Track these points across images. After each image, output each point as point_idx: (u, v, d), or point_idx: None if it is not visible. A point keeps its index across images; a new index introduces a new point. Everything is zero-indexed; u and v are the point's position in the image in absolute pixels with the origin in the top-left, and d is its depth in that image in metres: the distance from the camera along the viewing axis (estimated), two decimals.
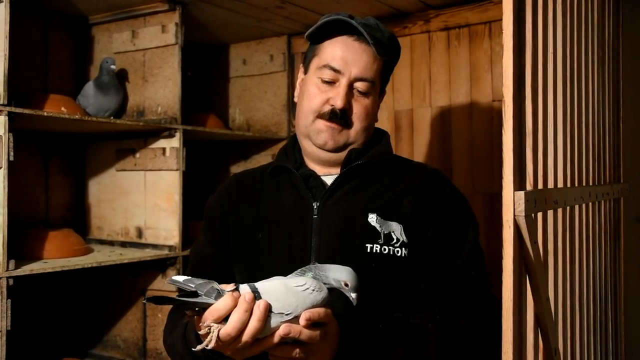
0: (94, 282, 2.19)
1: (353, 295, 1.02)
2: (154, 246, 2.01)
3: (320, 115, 1.26)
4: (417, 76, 2.19)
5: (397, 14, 2.16)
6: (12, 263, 1.52)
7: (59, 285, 2.14)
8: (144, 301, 0.97)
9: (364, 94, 1.27)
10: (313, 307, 0.97)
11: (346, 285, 1.01)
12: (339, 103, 1.24)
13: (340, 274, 1.02)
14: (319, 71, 1.27)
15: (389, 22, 2.15)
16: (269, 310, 0.94)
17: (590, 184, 1.40)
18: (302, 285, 0.98)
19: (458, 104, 2.11)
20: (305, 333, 0.96)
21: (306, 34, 1.31)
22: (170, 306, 1.34)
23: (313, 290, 0.98)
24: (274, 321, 0.95)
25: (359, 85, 1.26)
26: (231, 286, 0.97)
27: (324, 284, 1.01)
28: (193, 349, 1.01)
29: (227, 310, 0.93)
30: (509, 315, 0.90)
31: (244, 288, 0.97)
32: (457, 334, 1.15)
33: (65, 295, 2.19)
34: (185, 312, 1.01)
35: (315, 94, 1.27)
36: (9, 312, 1.50)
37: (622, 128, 1.75)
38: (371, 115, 1.30)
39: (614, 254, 1.66)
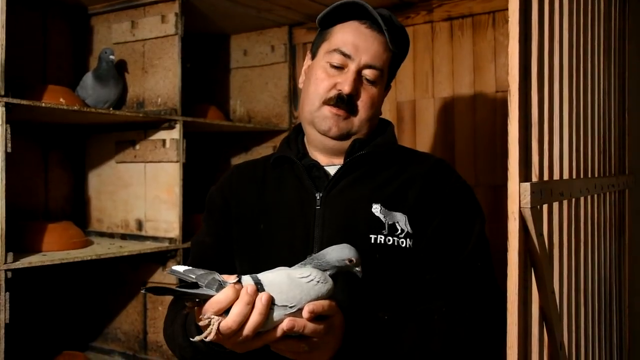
0: (94, 274, 2.18)
1: (358, 269, 1.00)
2: (154, 239, 2.00)
3: (326, 101, 1.24)
4: (420, 67, 2.17)
5: (399, 4, 2.13)
6: (10, 256, 1.51)
7: (58, 278, 2.13)
8: (143, 291, 0.95)
9: (372, 82, 1.25)
10: (317, 299, 0.95)
11: (350, 261, 0.99)
12: (346, 88, 1.22)
13: (341, 253, 0.99)
14: (328, 55, 1.26)
15: (391, 12, 2.12)
16: (272, 302, 0.92)
17: (596, 175, 1.38)
18: (306, 277, 0.95)
19: (461, 95, 2.09)
20: (309, 327, 0.94)
21: (318, 17, 1.28)
22: (171, 297, 1.33)
23: (318, 281, 0.95)
24: (277, 314, 0.92)
25: (368, 72, 1.24)
26: (233, 277, 0.94)
27: (327, 270, 0.99)
28: (192, 340, 0.99)
29: (228, 302, 0.91)
30: (514, 309, 0.88)
31: (247, 279, 0.95)
32: (463, 327, 1.13)
33: (65, 288, 2.18)
34: (185, 304, 0.99)
35: (322, 78, 1.25)
36: (8, 305, 1.49)
37: (628, 120, 1.73)
38: (376, 105, 1.28)
39: (618, 246, 1.64)
